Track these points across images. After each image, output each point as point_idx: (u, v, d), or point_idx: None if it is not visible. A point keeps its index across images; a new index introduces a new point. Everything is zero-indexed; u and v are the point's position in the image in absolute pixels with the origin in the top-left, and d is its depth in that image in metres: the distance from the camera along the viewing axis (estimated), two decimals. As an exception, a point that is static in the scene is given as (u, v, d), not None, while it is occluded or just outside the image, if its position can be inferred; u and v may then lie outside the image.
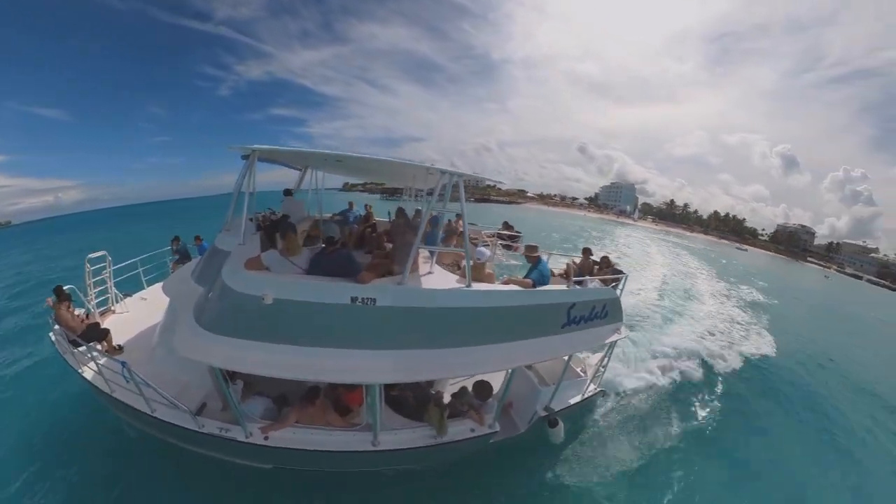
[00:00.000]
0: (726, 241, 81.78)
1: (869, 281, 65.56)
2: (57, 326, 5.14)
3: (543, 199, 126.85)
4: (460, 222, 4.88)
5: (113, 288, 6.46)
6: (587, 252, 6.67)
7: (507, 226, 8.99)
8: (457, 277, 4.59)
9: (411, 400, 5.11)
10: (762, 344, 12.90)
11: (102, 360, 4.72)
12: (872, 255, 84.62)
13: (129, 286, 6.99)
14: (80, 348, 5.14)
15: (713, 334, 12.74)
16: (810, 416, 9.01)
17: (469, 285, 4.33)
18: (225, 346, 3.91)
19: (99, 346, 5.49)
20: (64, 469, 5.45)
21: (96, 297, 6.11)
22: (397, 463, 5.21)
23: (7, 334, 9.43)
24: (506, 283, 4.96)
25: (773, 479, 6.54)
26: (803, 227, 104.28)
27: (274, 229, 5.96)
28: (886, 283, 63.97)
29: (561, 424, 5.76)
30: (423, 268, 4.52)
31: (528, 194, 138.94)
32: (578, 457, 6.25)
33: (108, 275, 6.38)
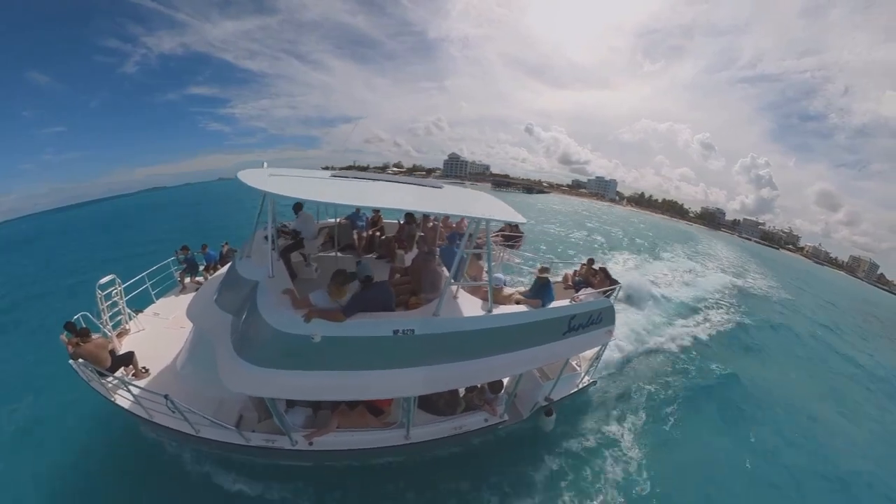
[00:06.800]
0: (674, 219, 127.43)
1: (756, 241, 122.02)
2: (81, 360, 5.17)
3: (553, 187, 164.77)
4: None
5: (126, 308, 6.41)
6: (590, 262, 7.47)
7: (508, 225, 9.41)
8: (477, 300, 5.13)
9: (440, 401, 5.84)
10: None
11: (141, 392, 4.90)
12: (760, 226, 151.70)
13: (139, 303, 6.92)
14: (109, 378, 5.26)
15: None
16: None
17: (491, 310, 4.94)
18: (273, 377, 4.20)
19: (124, 371, 5.63)
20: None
21: (110, 321, 6.07)
22: (424, 451, 6.04)
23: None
24: (517, 302, 5.61)
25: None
26: (718, 209, 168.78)
27: (290, 250, 6.15)
28: (764, 242, 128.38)
29: (554, 415, 6.76)
30: (450, 291, 4.88)
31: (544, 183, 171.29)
32: (570, 438, 7.46)
33: (119, 296, 6.29)
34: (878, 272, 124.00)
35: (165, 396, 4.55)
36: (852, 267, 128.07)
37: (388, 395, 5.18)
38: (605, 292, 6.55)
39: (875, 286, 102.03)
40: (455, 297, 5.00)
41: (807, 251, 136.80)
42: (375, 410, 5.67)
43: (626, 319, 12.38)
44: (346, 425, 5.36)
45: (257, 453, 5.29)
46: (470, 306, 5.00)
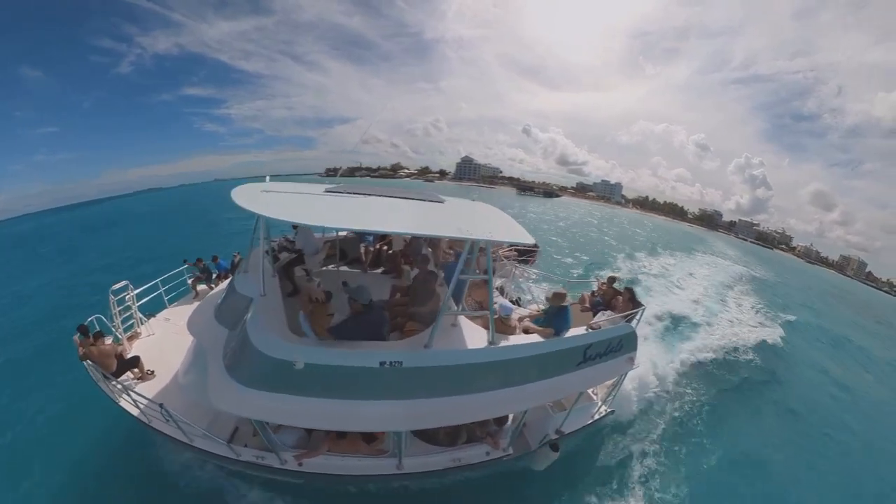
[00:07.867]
0: (675, 221, 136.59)
1: (751, 242, 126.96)
2: (89, 362, 5.33)
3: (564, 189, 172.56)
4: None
5: (137, 313, 6.63)
6: (611, 280, 6.74)
7: None
8: (480, 329, 4.68)
9: (440, 431, 5.48)
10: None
11: (141, 399, 4.97)
12: (755, 227, 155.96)
13: (152, 307, 7.17)
14: (114, 382, 5.39)
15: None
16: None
17: (493, 342, 4.47)
18: (259, 399, 4.04)
19: (131, 374, 5.78)
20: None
21: (122, 325, 6.28)
22: (418, 482, 5.70)
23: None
24: (526, 331, 5.10)
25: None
26: (716, 211, 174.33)
27: (291, 266, 6.03)
28: (759, 242, 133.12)
29: (557, 454, 5.95)
30: (448, 319, 4.54)
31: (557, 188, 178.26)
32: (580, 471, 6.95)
33: (131, 301, 6.53)
34: (867, 270, 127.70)
35: (160, 405, 4.57)
36: (842, 265, 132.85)
37: (374, 429, 4.88)
38: (626, 316, 5.86)
39: (864, 283, 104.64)
40: (454, 325, 4.60)
41: (798, 251, 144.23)
42: (368, 437, 5.40)
43: (648, 332, 11.63)
44: (337, 450, 5.14)
45: (247, 468, 5.21)
46: (470, 336, 4.55)
